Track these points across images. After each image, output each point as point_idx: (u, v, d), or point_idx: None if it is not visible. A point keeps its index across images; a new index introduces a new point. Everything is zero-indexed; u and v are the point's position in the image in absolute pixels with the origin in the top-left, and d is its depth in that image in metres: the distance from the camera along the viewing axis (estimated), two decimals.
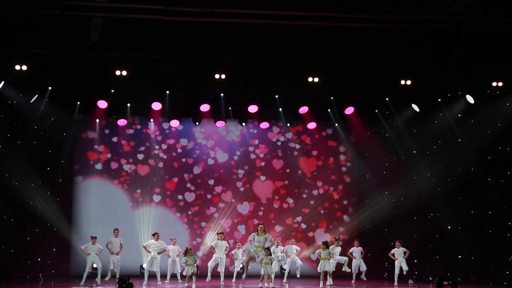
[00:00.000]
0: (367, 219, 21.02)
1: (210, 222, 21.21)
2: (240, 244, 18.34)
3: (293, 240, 18.99)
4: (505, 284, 17.17)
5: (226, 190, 21.48)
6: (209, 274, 17.53)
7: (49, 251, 19.09)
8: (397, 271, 17.68)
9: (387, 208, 20.26)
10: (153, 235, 17.79)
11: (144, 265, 18.19)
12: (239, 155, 21.67)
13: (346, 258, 18.02)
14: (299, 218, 21.71)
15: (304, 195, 21.85)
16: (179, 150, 21.37)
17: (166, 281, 17.64)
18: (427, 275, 18.85)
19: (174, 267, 17.76)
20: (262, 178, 21.71)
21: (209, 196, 21.38)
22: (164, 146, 21.27)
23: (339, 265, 18.16)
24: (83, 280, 17.06)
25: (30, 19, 15.71)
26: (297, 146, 21.94)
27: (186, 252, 16.44)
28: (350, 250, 18.53)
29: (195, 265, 16.38)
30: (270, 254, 15.93)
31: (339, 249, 17.94)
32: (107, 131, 20.92)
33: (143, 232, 20.54)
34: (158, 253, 17.38)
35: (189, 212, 21.23)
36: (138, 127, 21.10)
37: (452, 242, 18.38)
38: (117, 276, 17.85)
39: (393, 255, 17.76)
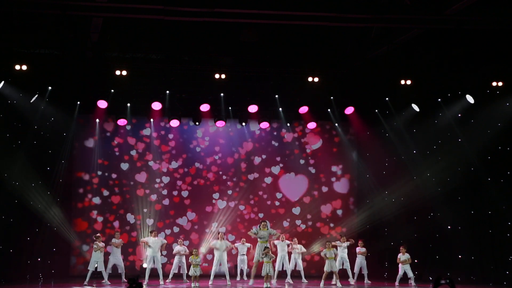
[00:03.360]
0: (367, 219, 21.02)
1: (210, 223, 21.19)
2: (244, 240, 18.32)
3: (296, 239, 18.94)
4: (505, 284, 17.16)
5: (226, 190, 21.47)
6: (212, 277, 17.41)
7: (49, 251, 19.08)
8: (400, 273, 17.61)
9: (387, 208, 20.26)
10: (151, 232, 17.85)
11: (144, 265, 18.20)
12: (239, 155, 21.66)
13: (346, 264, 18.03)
14: (298, 218, 21.70)
15: (304, 195, 21.83)
16: (179, 150, 21.36)
17: (167, 281, 17.62)
18: (427, 275, 18.84)
19: (180, 266, 17.76)
20: (262, 177, 21.70)
21: (208, 197, 21.37)
22: (164, 146, 21.28)
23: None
24: (87, 279, 17.02)
25: (30, 19, 15.70)
26: (297, 146, 21.93)
27: (192, 253, 16.52)
28: (356, 250, 18.57)
29: (199, 266, 16.39)
30: (270, 253, 15.96)
31: (346, 244, 17.88)
32: (107, 131, 20.92)
33: (143, 233, 20.53)
34: (161, 246, 17.38)
35: (187, 213, 21.22)
36: (138, 126, 21.09)
37: (452, 242, 18.38)
38: (123, 276, 17.85)
39: (400, 260, 17.66)
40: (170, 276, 17.79)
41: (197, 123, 20.33)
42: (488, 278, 17.72)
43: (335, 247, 17.52)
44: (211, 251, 19.18)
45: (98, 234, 17.84)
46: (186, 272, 17.60)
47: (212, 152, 21.52)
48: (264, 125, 20.52)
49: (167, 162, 21.25)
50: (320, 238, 21.49)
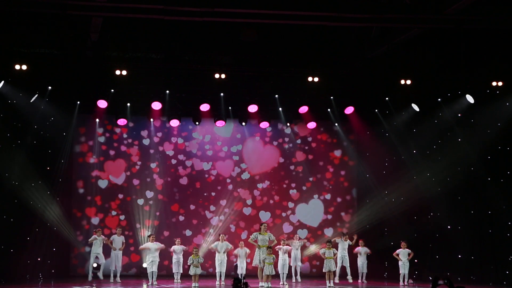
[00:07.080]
0: (367, 219, 21.01)
1: (209, 224, 21.19)
2: (243, 243, 18.36)
3: (297, 235, 18.96)
4: (505, 284, 17.16)
5: (226, 190, 21.47)
6: (217, 277, 17.44)
7: (49, 251, 19.08)
8: (401, 271, 17.63)
9: (387, 208, 20.26)
10: (149, 236, 17.79)
11: (144, 265, 18.24)
12: (238, 155, 21.65)
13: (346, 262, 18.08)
14: (298, 218, 21.69)
15: (304, 195, 21.83)
16: (179, 150, 21.37)
17: (175, 281, 17.67)
18: (427, 275, 18.84)
19: (178, 266, 17.75)
20: (262, 177, 21.71)
21: (208, 197, 21.37)
22: (163, 146, 21.28)
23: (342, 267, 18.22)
24: (90, 276, 17.00)
25: (30, 19, 15.72)
26: (297, 146, 21.93)
27: (192, 252, 16.54)
28: (356, 250, 18.55)
29: (199, 266, 16.42)
30: (272, 254, 15.97)
31: (348, 243, 17.98)
32: (106, 131, 20.93)
33: (142, 233, 20.54)
34: (156, 249, 17.34)
35: (184, 214, 21.21)
36: (138, 126, 21.10)
37: (452, 241, 18.38)
38: (118, 273, 17.85)
39: (398, 255, 17.74)
40: (178, 276, 17.71)
41: (197, 123, 20.34)
42: (488, 278, 17.71)
43: (336, 246, 17.53)
44: (210, 253, 19.17)
45: (98, 229, 17.84)
46: (182, 271, 17.70)
47: (212, 152, 21.51)
48: (264, 125, 20.53)
49: (167, 162, 21.24)
50: (319, 239, 21.49)
